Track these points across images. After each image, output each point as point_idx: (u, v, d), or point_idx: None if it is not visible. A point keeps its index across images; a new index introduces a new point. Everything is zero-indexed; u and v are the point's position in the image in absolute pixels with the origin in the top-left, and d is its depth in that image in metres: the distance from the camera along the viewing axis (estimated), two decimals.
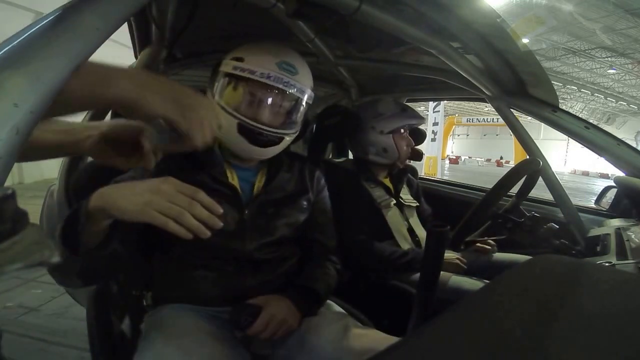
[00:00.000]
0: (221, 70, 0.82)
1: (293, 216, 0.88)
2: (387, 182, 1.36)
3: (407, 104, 1.53)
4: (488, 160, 21.99)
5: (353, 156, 1.44)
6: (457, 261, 1.16)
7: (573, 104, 19.12)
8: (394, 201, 1.31)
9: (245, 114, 0.79)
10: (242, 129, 0.78)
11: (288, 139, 0.86)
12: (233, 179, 0.84)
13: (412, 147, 1.34)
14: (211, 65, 0.87)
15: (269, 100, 0.80)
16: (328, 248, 0.95)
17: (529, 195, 1.13)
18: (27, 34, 0.34)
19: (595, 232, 1.02)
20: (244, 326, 0.74)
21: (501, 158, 20.42)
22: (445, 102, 10.92)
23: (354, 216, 1.20)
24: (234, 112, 0.78)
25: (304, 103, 0.85)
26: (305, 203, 0.91)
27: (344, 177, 1.28)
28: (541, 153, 1.12)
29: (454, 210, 1.22)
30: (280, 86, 0.78)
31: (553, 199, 1.17)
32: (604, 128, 1.08)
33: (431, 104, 10.32)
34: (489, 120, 16.36)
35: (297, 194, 0.91)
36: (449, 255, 1.16)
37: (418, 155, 1.40)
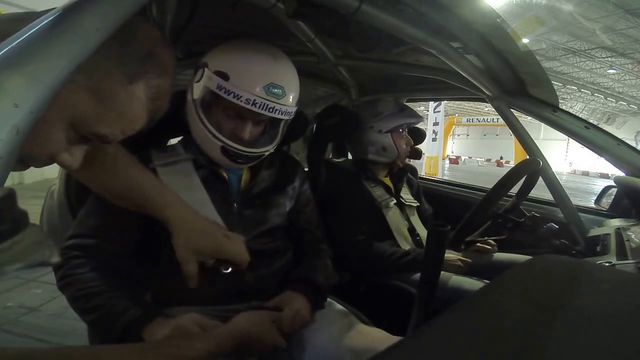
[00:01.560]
0: (203, 83, 0.78)
1: (282, 205, 0.90)
2: (387, 181, 1.36)
3: (407, 104, 1.54)
4: (488, 160, 21.99)
5: (352, 156, 1.44)
6: (459, 262, 1.15)
7: (573, 104, 19.12)
8: (394, 201, 1.31)
9: (227, 135, 0.78)
10: (225, 151, 0.79)
11: (271, 151, 0.87)
12: (223, 172, 0.86)
13: (412, 146, 1.35)
14: None
15: (252, 125, 0.80)
16: (318, 237, 0.97)
17: (529, 195, 1.13)
18: (27, 34, 0.33)
19: (595, 232, 1.02)
20: None
21: (501, 158, 20.42)
22: (445, 102, 10.92)
23: (354, 216, 1.20)
24: (217, 133, 0.78)
25: (288, 119, 0.84)
26: (291, 191, 0.94)
27: (344, 177, 1.29)
28: (541, 153, 1.12)
29: (454, 210, 1.22)
30: (266, 113, 0.76)
31: (553, 199, 1.17)
32: (604, 128, 1.08)
33: (431, 104, 10.31)
34: (489, 120, 16.37)
35: (283, 183, 0.93)
36: (451, 256, 1.16)
37: (417, 154, 1.41)
